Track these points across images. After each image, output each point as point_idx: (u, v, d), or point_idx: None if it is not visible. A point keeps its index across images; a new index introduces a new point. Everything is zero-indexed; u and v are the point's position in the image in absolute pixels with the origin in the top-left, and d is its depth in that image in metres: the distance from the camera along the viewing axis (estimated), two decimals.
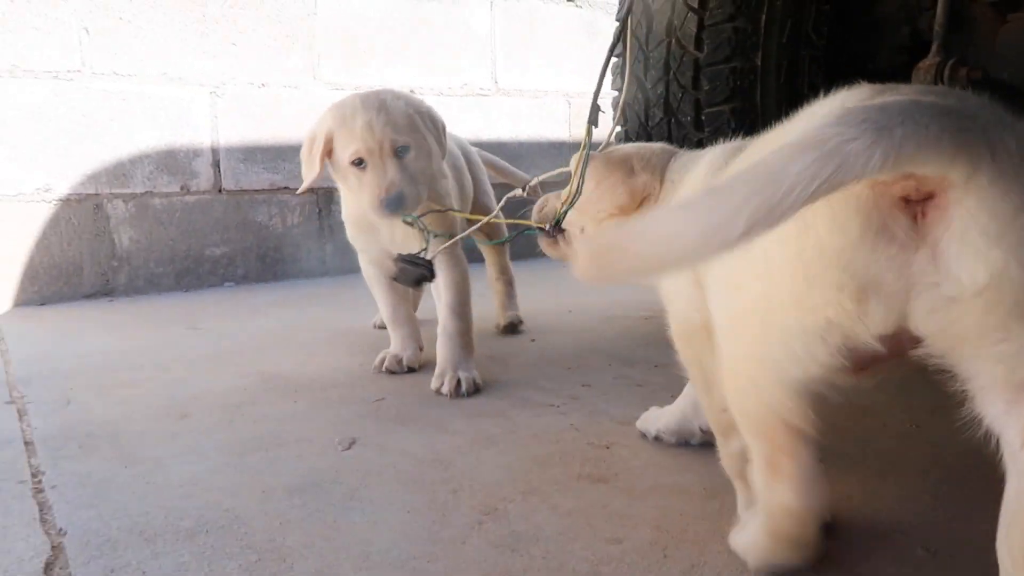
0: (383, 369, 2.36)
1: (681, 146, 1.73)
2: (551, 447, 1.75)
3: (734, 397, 1.08)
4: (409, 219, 2.13)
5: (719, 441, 1.33)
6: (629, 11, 1.67)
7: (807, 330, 0.88)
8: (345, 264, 4.34)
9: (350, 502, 1.49)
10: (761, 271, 0.91)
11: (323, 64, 4.15)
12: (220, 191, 3.99)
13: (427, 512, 1.44)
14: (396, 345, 2.42)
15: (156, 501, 1.50)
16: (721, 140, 1.64)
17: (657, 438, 1.74)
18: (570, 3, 4.85)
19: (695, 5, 2.38)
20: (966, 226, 0.76)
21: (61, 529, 1.39)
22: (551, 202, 1.78)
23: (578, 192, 1.57)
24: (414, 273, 2.04)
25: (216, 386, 2.25)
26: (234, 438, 1.84)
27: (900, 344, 0.88)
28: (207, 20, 3.84)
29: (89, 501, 1.50)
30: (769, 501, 1.09)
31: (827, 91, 0.95)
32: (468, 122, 4.59)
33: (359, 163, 2.05)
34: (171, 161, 3.84)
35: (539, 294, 3.32)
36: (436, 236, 2.13)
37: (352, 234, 2.39)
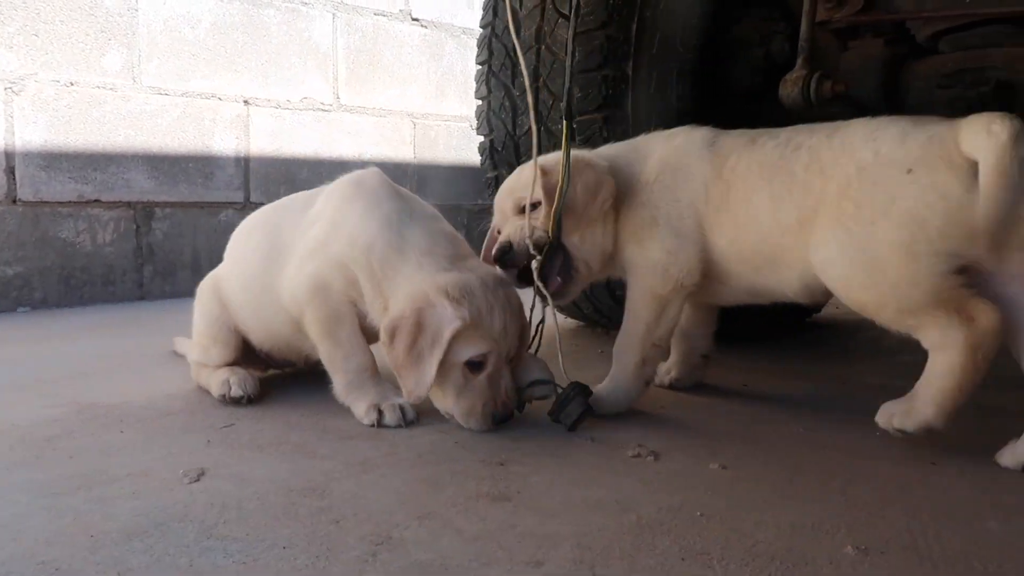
0: (229, 396, 1.98)
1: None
2: (440, 467, 1.56)
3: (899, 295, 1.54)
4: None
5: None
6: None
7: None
8: (167, 288, 3.88)
9: (208, 541, 1.22)
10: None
11: (145, 65, 3.73)
12: (15, 201, 3.43)
13: (308, 547, 1.21)
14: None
15: None
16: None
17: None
18: (415, 23, 4.73)
19: (566, 11, 2.32)
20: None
21: None
22: (516, 230, 1.85)
23: (566, 190, 1.75)
24: (577, 410, 1.76)
25: (17, 418, 1.85)
26: (46, 477, 1.49)
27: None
28: (1, 3, 3.32)
29: None
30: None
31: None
32: (307, 138, 4.32)
33: (476, 366, 1.74)
34: None
35: None
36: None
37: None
